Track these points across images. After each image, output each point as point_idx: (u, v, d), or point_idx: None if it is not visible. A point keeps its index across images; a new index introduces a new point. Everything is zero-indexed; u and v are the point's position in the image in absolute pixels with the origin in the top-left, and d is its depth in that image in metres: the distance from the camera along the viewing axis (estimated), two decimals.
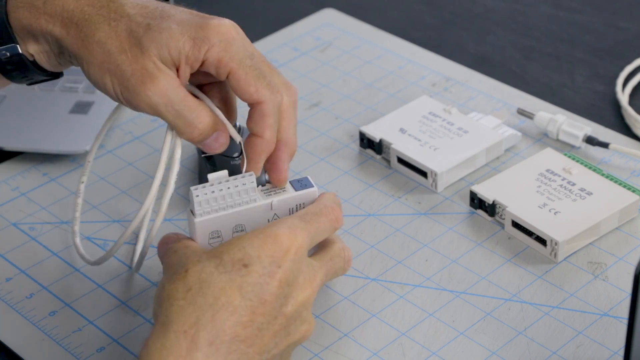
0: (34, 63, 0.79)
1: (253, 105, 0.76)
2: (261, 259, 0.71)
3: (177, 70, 0.75)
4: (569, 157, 0.91)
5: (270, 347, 0.71)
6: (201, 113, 0.75)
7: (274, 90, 0.76)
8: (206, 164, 0.88)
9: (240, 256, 0.70)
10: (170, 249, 0.74)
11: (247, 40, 0.76)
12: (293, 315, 0.72)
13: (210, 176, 0.76)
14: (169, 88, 0.74)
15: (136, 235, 0.84)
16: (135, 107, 0.75)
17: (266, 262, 0.71)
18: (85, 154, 0.95)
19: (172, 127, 0.76)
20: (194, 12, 0.77)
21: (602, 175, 0.89)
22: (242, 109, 0.83)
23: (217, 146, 0.77)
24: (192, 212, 0.76)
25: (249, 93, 0.75)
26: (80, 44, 0.75)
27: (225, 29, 0.75)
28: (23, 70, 0.79)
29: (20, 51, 0.78)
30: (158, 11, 0.76)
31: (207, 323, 0.68)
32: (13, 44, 0.77)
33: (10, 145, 0.95)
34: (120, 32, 0.75)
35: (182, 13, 0.76)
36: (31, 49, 0.78)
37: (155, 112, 0.75)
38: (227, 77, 0.75)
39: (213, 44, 0.74)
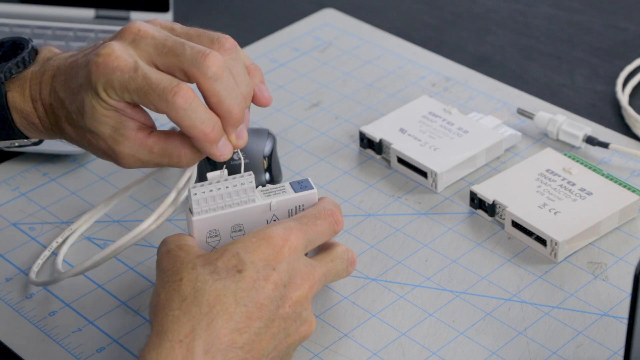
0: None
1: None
2: (255, 263, 0.71)
3: (124, 110, 0.74)
4: (569, 157, 0.91)
5: (269, 350, 0.70)
6: (175, 148, 0.74)
7: (190, 74, 0.72)
8: (206, 162, 0.88)
9: (235, 262, 0.70)
10: (165, 250, 0.73)
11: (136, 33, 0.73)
12: (291, 315, 0.72)
13: (210, 175, 0.76)
14: (133, 147, 0.74)
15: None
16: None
17: (260, 266, 0.71)
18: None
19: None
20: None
21: (602, 175, 0.89)
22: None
23: (218, 155, 0.74)
24: (190, 210, 0.76)
25: (162, 96, 0.71)
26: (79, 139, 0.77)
27: (105, 55, 0.72)
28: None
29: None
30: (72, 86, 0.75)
31: (203, 332, 0.68)
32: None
33: None
34: (77, 129, 0.76)
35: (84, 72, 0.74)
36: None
37: (143, 167, 0.76)
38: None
39: (91, 88, 0.73)
